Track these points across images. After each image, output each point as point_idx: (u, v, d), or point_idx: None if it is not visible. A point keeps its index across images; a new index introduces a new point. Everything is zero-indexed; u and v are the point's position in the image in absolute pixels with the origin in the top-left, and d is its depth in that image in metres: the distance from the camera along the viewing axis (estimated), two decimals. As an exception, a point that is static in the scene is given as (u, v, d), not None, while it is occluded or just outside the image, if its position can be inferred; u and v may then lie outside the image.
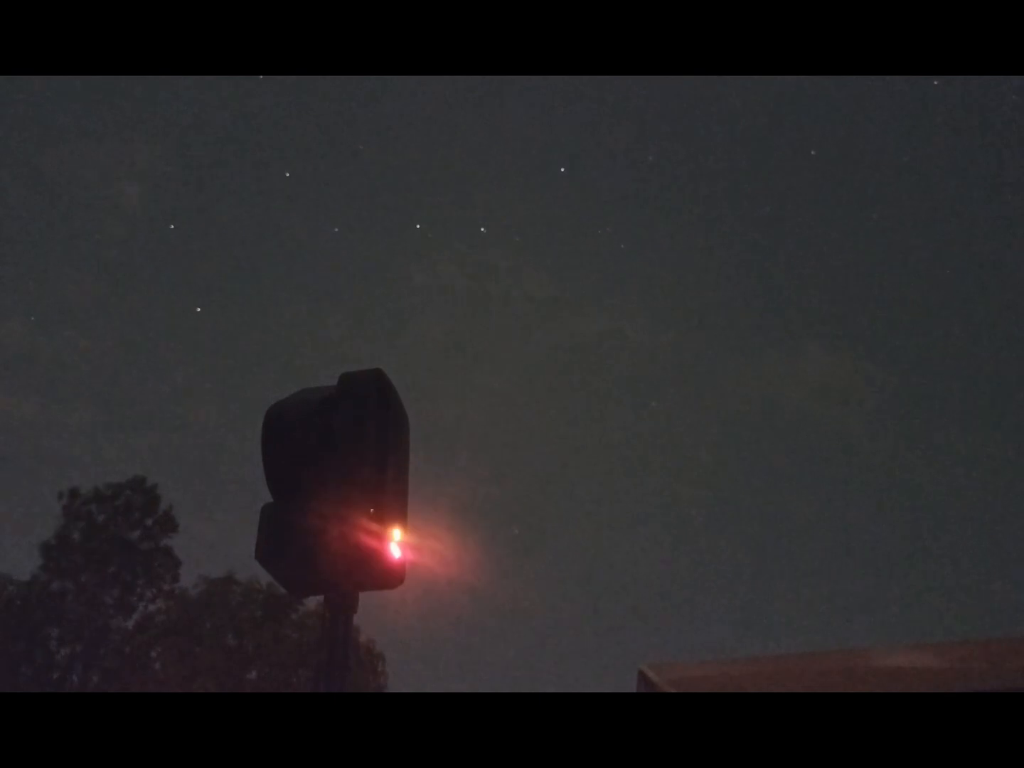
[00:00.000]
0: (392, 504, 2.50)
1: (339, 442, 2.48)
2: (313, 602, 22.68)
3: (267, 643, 24.70)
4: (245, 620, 25.13)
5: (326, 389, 2.61)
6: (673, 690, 1.88)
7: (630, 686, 2.14)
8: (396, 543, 2.47)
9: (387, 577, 2.46)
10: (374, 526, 2.39)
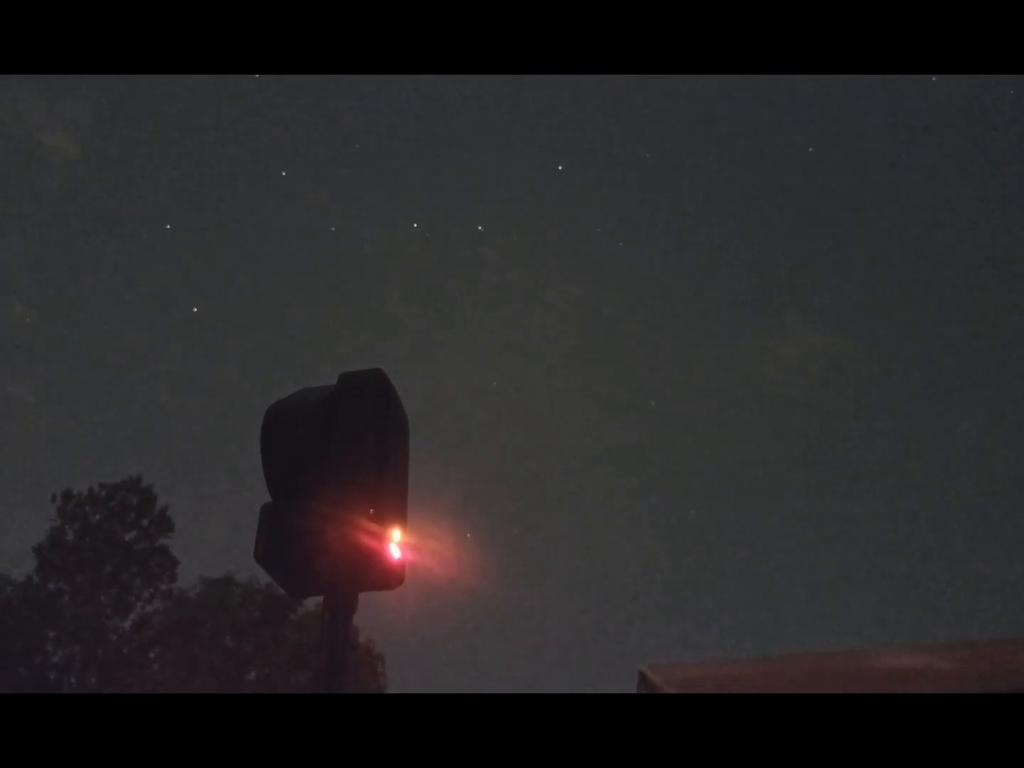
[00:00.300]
0: (392, 504, 2.50)
1: (339, 442, 2.48)
2: (312, 603, 22.70)
3: (266, 644, 24.68)
4: (244, 621, 25.12)
5: (326, 389, 2.60)
6: (673, 691, 1.87)
7: (630, 687, 2.14)
8: (396, 543, 2.47)
9: (387, 578, 2.46)
10: (374, 526, 2.38)
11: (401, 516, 2.55)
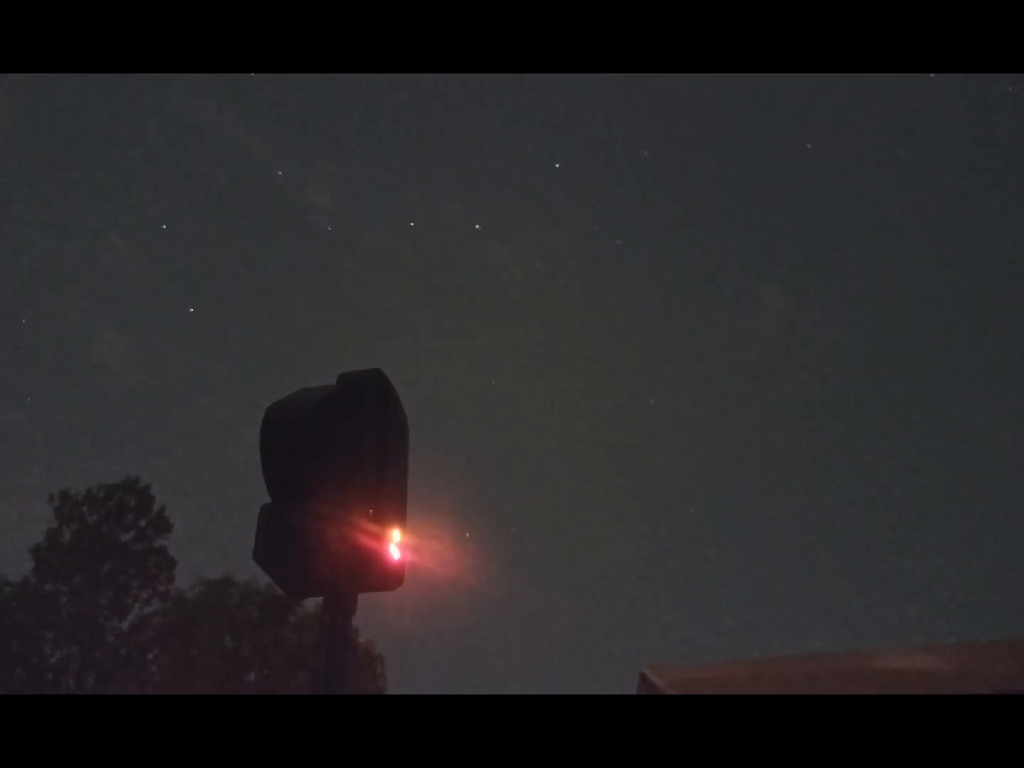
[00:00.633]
0: (392, 505, 2.49)
1: (338, 442, 2.47)
2: (312, 603, 22.68)
3: (265, 645, 24.64)
4: (243, 622, 25.07)
5: (325, 389, 2.60)
6: (674, 692, 1.87)
7: (631, 687, 2.14)
8: (395, 544, 2.46)
9: (386, 578, 2.45)
10: (373, 527, 2.38)
11: (401, 516, 2.55)
